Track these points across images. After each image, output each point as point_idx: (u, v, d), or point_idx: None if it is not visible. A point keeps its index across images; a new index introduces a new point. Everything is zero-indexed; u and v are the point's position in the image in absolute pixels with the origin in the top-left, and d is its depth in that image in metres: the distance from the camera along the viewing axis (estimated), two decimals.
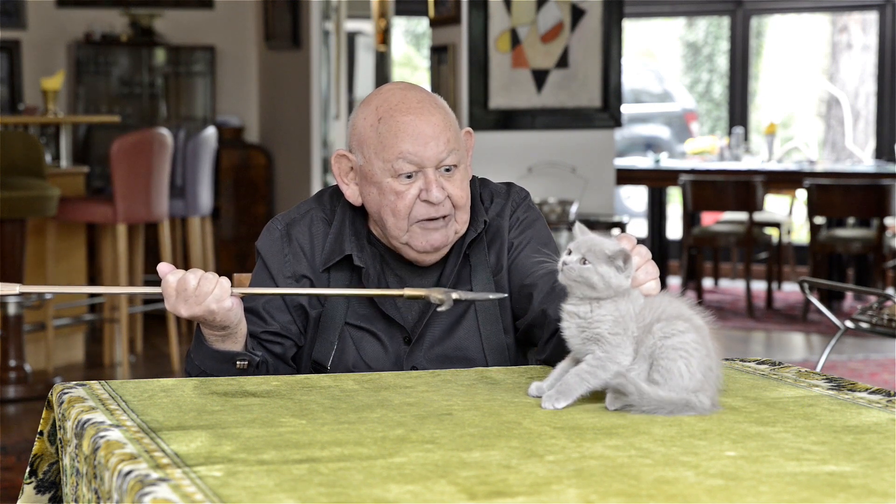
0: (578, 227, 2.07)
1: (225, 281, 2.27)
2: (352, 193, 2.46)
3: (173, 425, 1.88)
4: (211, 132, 7.53)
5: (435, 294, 2.21)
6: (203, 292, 2.25)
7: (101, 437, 1.81)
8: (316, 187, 8.68)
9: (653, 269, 2.13)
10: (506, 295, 2.39)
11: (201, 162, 7.36)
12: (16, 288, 2.22)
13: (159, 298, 7.34)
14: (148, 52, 9.14)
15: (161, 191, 6.69)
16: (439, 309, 2.24)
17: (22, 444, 5.31)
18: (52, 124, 7.14)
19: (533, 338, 2.49)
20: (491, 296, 2.29)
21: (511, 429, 1.86)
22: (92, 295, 7.34)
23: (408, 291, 2.24)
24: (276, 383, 2.21)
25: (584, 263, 2.00)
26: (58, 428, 2.09)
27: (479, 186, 2.54)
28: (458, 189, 2.41)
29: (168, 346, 7.00)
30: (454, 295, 2.21)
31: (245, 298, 2.42)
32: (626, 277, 2.01)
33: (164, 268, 2.29)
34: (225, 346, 2.38)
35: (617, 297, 2.01)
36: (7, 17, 8.92)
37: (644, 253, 2.13)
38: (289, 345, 2.48)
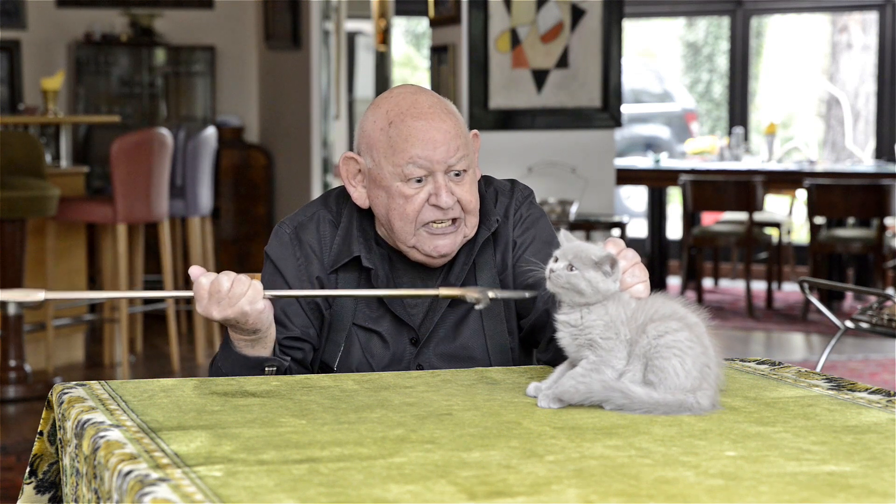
0: (564, 234, 2.08)
1: (258, 283, 2.26)
2: (359, 196, 2.46)
3: (173, 425, 1.88)
4: (211, 132, 7.53)
5: (471, 293, 2.21)
6: (236, 294, 2.24)
7: (101, 437, 1.81)
8: (316, 187, 8.68)
9: (640, 272, 2.11)
10: (538, 293, 2.36)
11: (201, 162, 7.36)
12: (40, 295, 2.21)
13: (161, 299, 7.38)
14: (148, 52, 9.14)
15: (161, 191, 6.69)
16: (477, 307, 2.24)
17: (22, 444, 5.31)
18: (52, 124, 7.14)
19: (536, 338, 2.49)
20: (527, 294, 2.30)
21: (511, 429, 1.86)
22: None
23: (443, 291, 2.24)
24: (276, 383, 2.21)
25: (571, 270, 2.01)
26: (58, 428, 2.09)
27: (484, 185, 2.54)
28: (468, 194, 2.41)
29: (168, 346, 7.00)
30: (490, 294, 2.21)
31: None
32: (613, 282, 2.02)
33: (195, 271, 2.27)
34: (255, 351, 2.36)
35: (606, 302, 2.02)
36: (7, 17, 8.92)
37: (631, 256, 2.12)
38: (308, 349, 2.47)
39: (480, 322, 2.48)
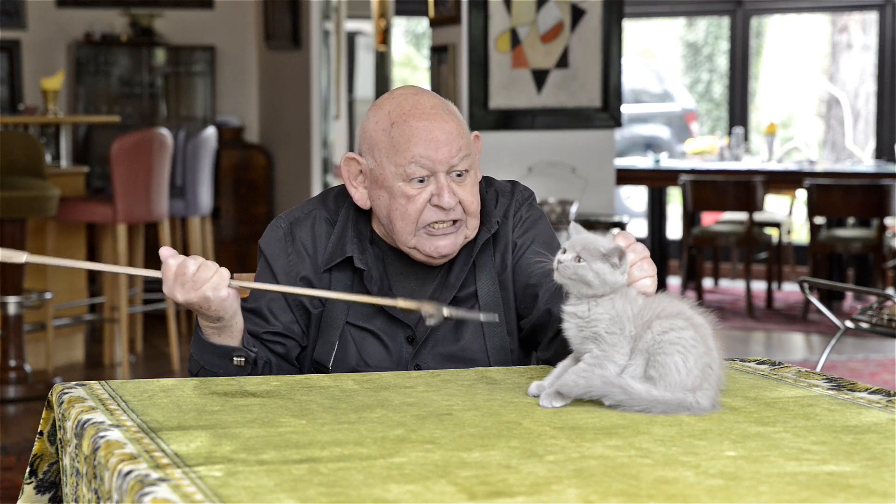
0: (574, 226, 2.08)
1: (224, 271, 2.28)
2: (360, 197, 2.46)
3: (173, 425, 1.88)
4: (211, 132, 7.53)
5: (426, 308, 2.21)
6: (201, 278, 2.26)
7: (101, 437, 1.81)
8: (316, 187, 8.68)
9: (648, 267, 2.12)
10: (496, 318, 2.38)
11: (201, 162, 7.36)
12: (23, 256, 2.23)
13: (161, 297, 7.38)
14: (148, 52, 9.14)
15: (161, 191, 6.69)
16: (428, 323, 2.23)
17: (22, 444, 5.31)
18: (52, 124, 7.14)
19: (537, 338, 2.49)
20: (482, 317, 2.30)
21: (511, 429, 1.86)
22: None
23: (401, 303, 2.24)
24: (276, 383, 2.21)
25: (579, 261, 2.01)
26: (58, 428, 2.09)
27: (485, 186, 2.54)
28: (469, 195, 2.41)
29: (168, 346, 7.00)
30: (445, 312, 2.21)
31: (249, 299, 2.43)
32: (621, 274, 2.02)
33: (165, 252, 2.30)
34: (221, 339, 2.38)
35: (614, 296, 2.02)
36: (7, 17, 8.92)
37: (640, 250, 2.13)
38: (291, 345, 2.48)
39: (480, 323, 2.48)
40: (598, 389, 1.96)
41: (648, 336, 1.99)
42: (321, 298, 2.48)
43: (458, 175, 2.40)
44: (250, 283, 2.36)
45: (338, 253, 2.47)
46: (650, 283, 2.10)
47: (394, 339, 2.47)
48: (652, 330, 1.98)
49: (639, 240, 2.18)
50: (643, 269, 2.11)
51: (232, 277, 2.31)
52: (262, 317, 2.46)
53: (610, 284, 2.01)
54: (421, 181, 2.38)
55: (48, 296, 6.50)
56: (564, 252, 2.04)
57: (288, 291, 2.41)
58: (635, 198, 11.74)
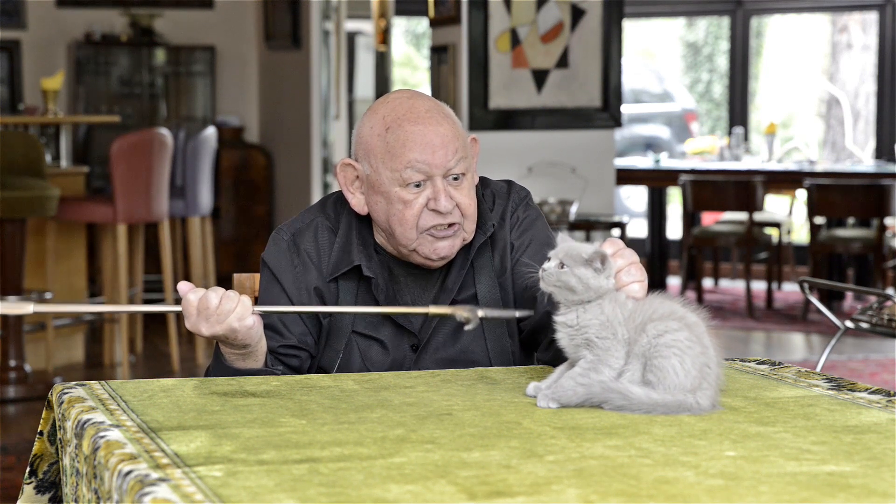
0: (561, 236, 2.09)
1: (246, 299, 2.25)
2: (357, 203, 2.45)
3: (173, 425, 1.88)
4: (211, 132, 7.53)
5: (461, 312, 2.19)
6: (225, 311, 2.23)
7: (101, 437, 1.81)
8: (316, 187, 8.68)
9: (637, 272, 2.09)
10: (531, 312, 2.34)
11: (201, 162, 7.36)
12: (29, 308, 2.21)
13: (161, 298, 7.37)
14: (148, 52, 9.14)
15: (161, 191, 6.69)
16: (466, 327, 2.21)
17: (22, 444, 5.31)
18: (52, 124, 7.14)
19: (537, 339, 2.48)
20: (517, 314, 2.28)
21: (511, 429, 1.86)
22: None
23: (433, 309, 2.22)
24: (276, 383, 2.21)
25: (562, 268, 2.01)
26: (58, 428, 2.09)
27: (481, 187, 2.53)
28: (467, 198, 2.40)
29: (168, 346, 7.00)
30: (480, 313, 2.19)
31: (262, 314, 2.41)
32: (606, 278, 2.02)
33: (183, 287, 2.26)
34: (245, 364, 2.36)
35: (602, 301, 2.02)
36: (7, 17, 8.92)
37: (628, 255, 2.10)
38: (305, 356, 2.47)
39: (481, 325, 2.47)
40: (598, 396, 1.96)
41: (643, 340, 1.98)
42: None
43: (455, 178, 2.39)
44: (275, 308, 2.34)
45: (344, 262, 2.46)
46: (639, 287, 2.08)
47: (398, 347, 2.46)
48: (646, 333, 1.98)
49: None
50: (631, 273, 2.08)
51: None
52: (276, 331, 2.44)
53: (594, 290, 2.01)
54: (417, 186, 2.37)
55: (48, 296, 6.50)
56: (549, 260, 2.05)
57: (314, 310, 2.39)
58: (635, 198, 11.74)
